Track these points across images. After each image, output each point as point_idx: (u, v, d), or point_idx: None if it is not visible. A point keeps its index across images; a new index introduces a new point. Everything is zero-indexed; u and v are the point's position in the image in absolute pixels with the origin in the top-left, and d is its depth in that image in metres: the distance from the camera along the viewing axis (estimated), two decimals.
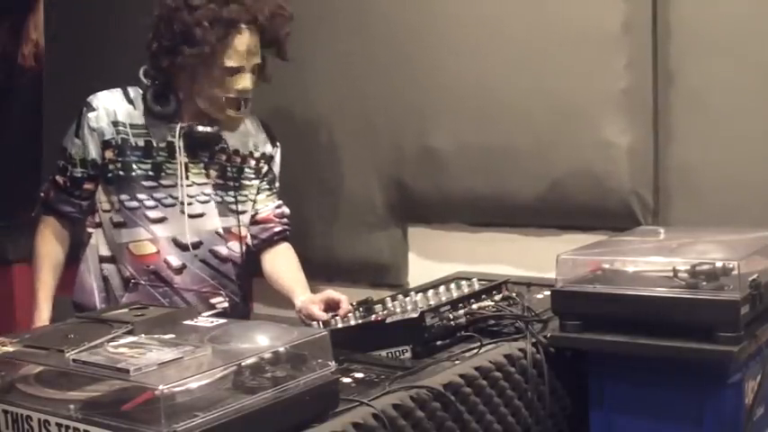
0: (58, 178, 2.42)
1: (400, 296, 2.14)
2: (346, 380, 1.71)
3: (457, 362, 1.83)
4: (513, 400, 1.89)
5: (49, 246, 2.45)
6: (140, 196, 2.36)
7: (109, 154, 2.35)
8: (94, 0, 3.78)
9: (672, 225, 2.51)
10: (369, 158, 2.97)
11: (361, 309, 2.13)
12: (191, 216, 2.40)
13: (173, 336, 1.55)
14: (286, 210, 2.58)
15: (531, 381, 1.92)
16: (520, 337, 1.98)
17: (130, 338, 1.56)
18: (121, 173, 2.35)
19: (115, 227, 2.38)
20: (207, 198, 2.43)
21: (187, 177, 2.39)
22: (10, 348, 1.56)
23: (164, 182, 2.38)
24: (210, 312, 2.09)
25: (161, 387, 1.30)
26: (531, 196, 2.67)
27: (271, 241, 2.54)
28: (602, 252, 2.17)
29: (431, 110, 2.83)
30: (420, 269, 2.89)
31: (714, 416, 1.83)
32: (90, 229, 2.46)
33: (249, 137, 2.52)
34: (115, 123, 2.36)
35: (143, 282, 2.37)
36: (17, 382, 1.49)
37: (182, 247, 2.40)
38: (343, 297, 2.21)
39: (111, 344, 1.51)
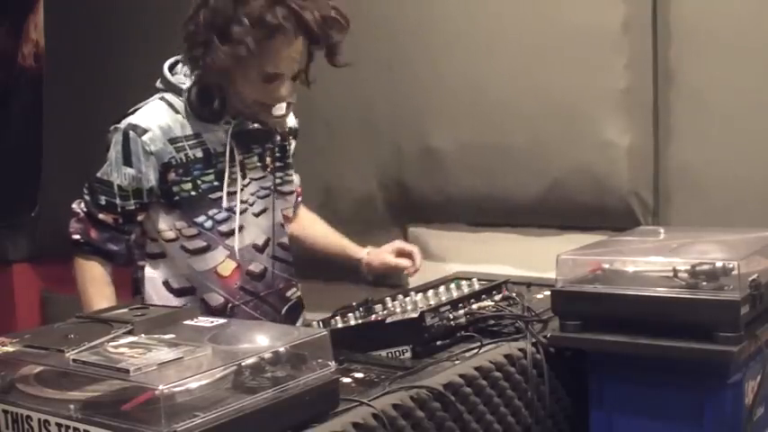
0: (103, 216, 2.16)
1: (400, 296, 2.14)
2: (346, 380, 1.71)
3: (457, 362, 1.83)
4: (513, 400, 1.89)
5: (107, 290, 2.19)
6: (211, 212, 2.17)
7: (171, 176, 2.13)
8: (94, 0, 3.78)
9: (672, 225, 2.51)
10: (369, 158, 2.98)
11: (361, 309, 2.13)
12: (255, 215, 2.24)
13: (173, 336, 1.55)
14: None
15: (531, 381, 1.92)
16: (520, 337, 1.98)
17: (130, 338, 1.56)
18: (192, 193, 2.14)
19: (194, 254, 2.17)
20: (267, 192, 2.27)
21: (245, 177, 2.21)
22: (10, 348, 1.56)
23: (231, 189, 2.19)
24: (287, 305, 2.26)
25: (161, 387, 1.30)
26: (530, 196, 2.67)
27: (296, 210, 2.46)
28: (602, 252, 2.17)
29: (431, 110, 2.83)
30: (420, 269, 2.88)
31: (714, 416, 1.83)
32: (142, 262, 2.24)
33: None
34: (172, 141, 2.13)
35: (238, 302, 2.21)
36: (17, 382, 1.49)
37: (258, 250, 2.25)
38: (415, 248, 2.24)
39: (111, 344, 1.51)
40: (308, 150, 2.80)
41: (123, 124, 2.17)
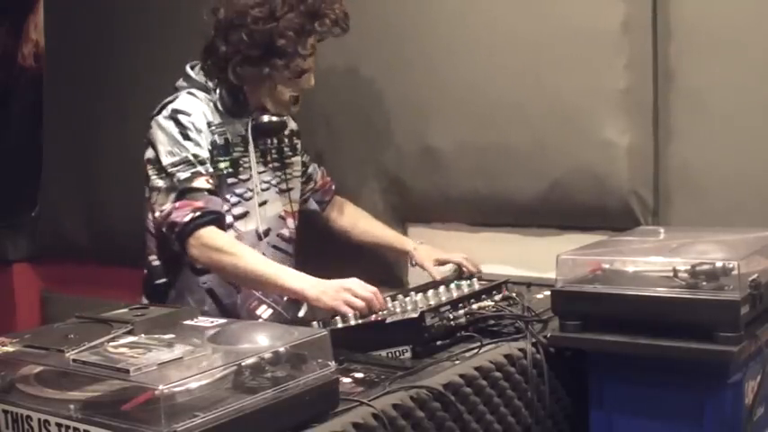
0: (196, 183, 2.23)
1: (400, 296, 2.14)
2: (346, 380, 1.71)
3: (457, 362, 1.84)
4: (513, 400, 1.89)
5: (242, 245, 2.26)
6: (226, 196, 2.35)
7: (215, 155, 2.33)
8: (94, 0, 3.78)
9: (672, 225, 2.50)
10: (369, 158, 2.97)
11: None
12: (259, 204, 2.43)
13: (173, 336, 1.55)
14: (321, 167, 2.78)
15: (531, 381, 1.92)
16: (520, 337, 1.99)
17: (130, 338, 1.56)
18: (223, 172, 2.35)
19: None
20: (267, 185, 2.47)
21: (261, 164, 2.44)
22: (10, 348, 1.56)
23: (242, 176, 2.39)
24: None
25: (161, 387, 1.30)
26: (530, 196, 2.67)
27: (332, 198, 2.77)
28: (602, 252, 2.17)
29: (431, 110, 2.83)
30: (420, 269, 2.88)
31: (714, 416, 1.83)
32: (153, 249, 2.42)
33: None
34: (209, 124, 2.33)
35: None
36: (17, 382, 1.49)
37: (259, 236, 2.43)
38: (463, 256, 2.54)
39: (111, 344, 1.51)
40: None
41: (166, 112, 2.30)
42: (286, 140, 2.57)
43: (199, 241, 2.18)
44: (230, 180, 2.36)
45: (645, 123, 2.52)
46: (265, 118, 2.40)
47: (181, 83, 2.41)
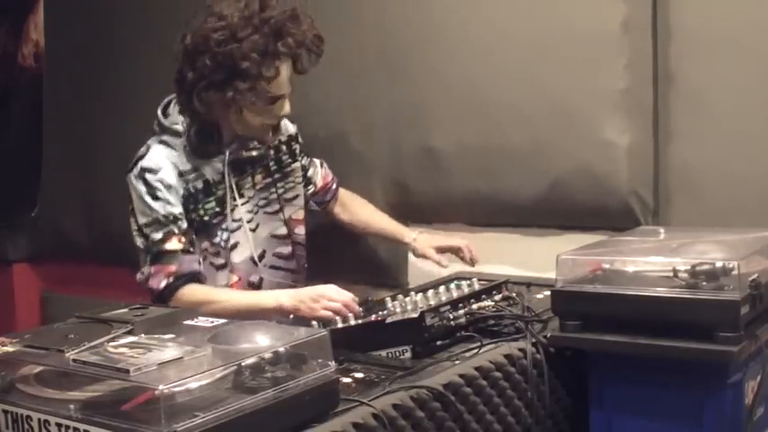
0: (169, 246, 2.27)
1: (400, 296, 2.14)
2: (346, 380, 1.71)
3: (457, 362, 1.84)
4: (513, 400, 1.89)
5: (230, 291, 2.36)
6: (218, 233, 2.38)
7: (190, 204, 2.33)
8: (94, 0, 3.78)
9: (672, 225, 2.50)
10: (369, 159, 2.97)
11: (361, 309, 2.13)
12: (252, 230, 2.44)
13: (173, 336, 1.55)
14: (323, 162, 2.75)
15: (531, 381, 1.92)
16: (520, 337, 1.99)
17: (130, 338, 1.56)
18: (206, 218, 2.35)
19: (218, 269, 2.39)
20: (255, 208, 2.46)
21: (242, 195, 2.41)
22: (10, 348, 1.56)
23: (227, 211, 2.39)
24: None
25: (161, 387, 1.30)
26: (530, 196, 2.67)
27: (334, 196, 2.76)
28: (602, 252, 2.17)
29: (431, 110, 2.83)
30: (420, 269, 2.88)
31: (714, 416, 1.83)
32: None
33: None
34: (180, 174, 2.32)
35: None
36: (17, 382, 1.49)
37: (254, 262, 2.45)
38: (464, 243, 2.57)
39: (111, 344, 1.51)
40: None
41: (136, 170, 2.31)
42: (284, 148, 2.54)
43: (178, 303, 2.25)
44: (217, 219, 2.37)
45: (645, 123, 2.52)
46: (244, 153, 2.39)
47: (155, 127, 2.39)
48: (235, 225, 2.40)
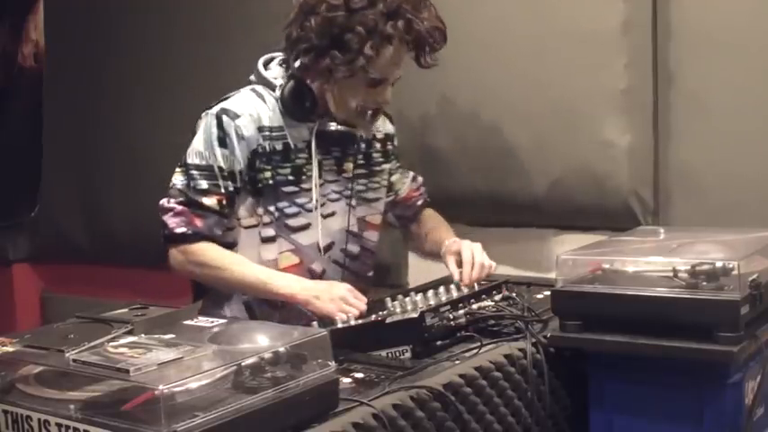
0: (207, 200, 2.15)
1: (400, 296, 2.14)
2: (346, 380, 1.71)
3: (457, 362, 1.83)
4: (513, 400, 1.89)
5: (238, 256, 2.18)
6: (281, 204, 2.22)
7: (257, 163, 2.17)
8: (94, 0, 3.78)
9: (672, 225, 2.51)
10: None
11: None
12: (323, 216, 2.28)
13: (173, 336, 1.55)
14: (420, 178, 2.57)
15: (531, 381, 1.92)
16: (520, 337, 1.98)
17: (130, 338, 1.56)
18: (270, 182, 2.19)
19: (264, 242, 2.22)
20: (337, 196, 2.31)
21: (320, 176, 2.26)
22: (10, 348, 1.56)
23: (304, 185, 2.24)
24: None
25: (161, 387, 1.30)
26: (531, 196, 2.67)
27: (416, 215, 2.55)
28: (602, 252, 2.17)
29: (431, 110, 2.83)
30: (420, 269, 2.88)
31: (714, 416, 1.82)
32: None
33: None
34: (260, 129, 2.17)
35: None
36: (17, 382, 1.49)
37: (320, 250, 2.29)
38: (474, 257, 2.19)
39: (111, 344, 1.51)
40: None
41: (215, 109, 2.19)
42: (378, 145, 2.41)
43: (186, 254, 2.16)
44: (290, 188, 2.22)
45: (645, 123, 2.52)
46: (332, 126, 2.24)
47: (252, 77, 2.26)
48: (310, 205, 2.24)
